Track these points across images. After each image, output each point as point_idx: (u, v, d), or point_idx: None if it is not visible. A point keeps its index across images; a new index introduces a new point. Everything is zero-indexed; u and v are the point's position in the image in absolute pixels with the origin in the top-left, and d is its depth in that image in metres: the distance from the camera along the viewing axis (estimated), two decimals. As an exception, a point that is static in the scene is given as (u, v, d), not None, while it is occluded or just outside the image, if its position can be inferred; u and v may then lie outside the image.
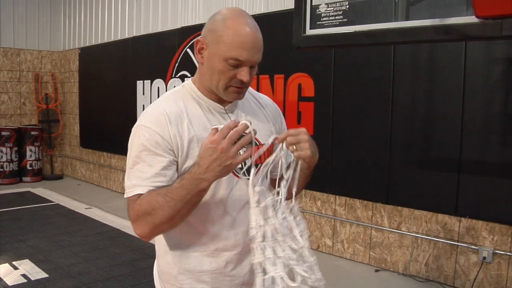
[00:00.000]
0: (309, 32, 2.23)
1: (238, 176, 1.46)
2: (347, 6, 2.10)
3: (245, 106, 1.56)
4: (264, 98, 1.68)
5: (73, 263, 4.40)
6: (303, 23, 2.24)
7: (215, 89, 1.43)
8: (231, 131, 1.23)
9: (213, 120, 1.46)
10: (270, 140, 1.36)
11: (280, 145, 1.35)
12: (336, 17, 2.13)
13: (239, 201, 1.45)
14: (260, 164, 1.43)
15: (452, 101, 3.77)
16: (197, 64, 1.54)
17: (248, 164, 1.39)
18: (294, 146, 1.34)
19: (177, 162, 1.40)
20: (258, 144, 1.48)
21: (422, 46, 3.89)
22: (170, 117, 1.39)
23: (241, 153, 1.26)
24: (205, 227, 1.44)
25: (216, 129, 1.26)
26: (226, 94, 1.43)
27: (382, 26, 1.99)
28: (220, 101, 1.49)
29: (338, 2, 2.13)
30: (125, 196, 1.39)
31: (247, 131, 1.26)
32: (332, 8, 2.14)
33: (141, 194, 1.34)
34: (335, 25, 2.14)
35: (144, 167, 1.36)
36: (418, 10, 1.91)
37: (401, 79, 4.06)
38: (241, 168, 1.45)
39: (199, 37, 1.46)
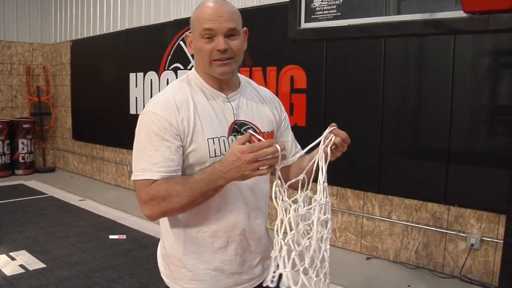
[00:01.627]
0: (304, 25, 2.31)
1: None
2: (341, 0, 2.18)
3: (246, 97, 1.64)
4: (264, 90, 1.77)
5: (69, 253, 4.46)
6: (298, 17, 2.32)
7: (205, 69, 1.53)
8: (261, 151, 1.28)
9: (216, 107, 1.54)
10: (327, 131, 1.43)
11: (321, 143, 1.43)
12: (330, 11, 2.21)
13: (241, 184, 1.51)
14: None
15: (441, 93, 3.86)
16: (190, 57, 1.64)
17: None
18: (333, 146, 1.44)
19: (183, 146, 1.47)
20: (258, 132, 1.57)
21: (412, 39, 3.97)
22: (177, 104, 1.47)
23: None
24: (208, 208, 1.51)
25: (250, 134, 1.34)
26: (213, 70, 1.51)
27: (374, 20, 2.07)
28: (222, 89, 1.58)
29: (332, -4, 2.21)
30: (133, 178, 1.47)
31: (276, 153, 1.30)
32: (326, 2, 2.22)
33: (152, 179, 1.42)
34: (329, 19, 2.22)
35: (152, 152, 1.43)
36: (408, 5, 1.99)
37: (391, 71, 4.15)
38: None
39: (187, 32, 1.59)
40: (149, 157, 1.43)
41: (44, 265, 4.13)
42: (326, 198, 1.43)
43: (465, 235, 3.87)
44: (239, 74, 1.66)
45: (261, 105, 1.68)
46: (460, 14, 1.84)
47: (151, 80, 6.65)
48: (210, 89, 1.56)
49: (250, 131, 1.38)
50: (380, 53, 4.16)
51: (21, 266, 4.10)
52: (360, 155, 4.36)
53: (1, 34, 8.61)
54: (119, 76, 7.26)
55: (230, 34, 1.48)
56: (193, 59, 1.58)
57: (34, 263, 4.17)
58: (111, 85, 7.52)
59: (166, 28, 6.37)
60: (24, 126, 8.61)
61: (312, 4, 2.26)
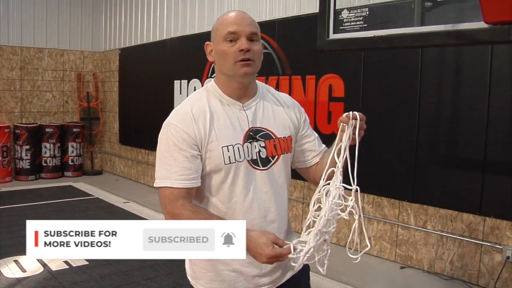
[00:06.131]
0: (332, 36, 2.39)
1: (254, 167, 1.65)
2: (367, 12, 2.25)
3: (263, 104, 1.73)
4: (283, 96, 1.84)
5: (111, 252, 4.65)
6: (327, 28, 2.40)
7: (228, 72, 1.62)
8: (280, 258, 1.47)
9: (231, 115, 1.65)
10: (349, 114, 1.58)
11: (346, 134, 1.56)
12: (357, 22, 2.29)
13: (253, 187, 1.64)
14: (277, 156, 1.67)
15: (478, 102, 3.84)
16: None
17: (263, 156, 1.65)
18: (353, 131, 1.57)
19: (200, 155, 1.60)
20: (273, 137, 1.67)
21: (449, 48, 3.97)
22: (194, 115, 1.60)
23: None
24: (227, 208, 1.64)
25: (290, 248, 1.48)
26: (236, 72, 1.60)
27: (399, 31, 2.13)
28: (239, 97, 1.68)
29: (359, 8, 2.29)
30: (156, 185, 1.62)
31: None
32: (353, 14, 2.29)
33: (172, 187, 1.57)
34: (356, 30, 2.30)
35: (171, 161, 1.58)
36: (432, 16, 2.05)
37: (428, 80, 4.15)
38: (256, 160, 1.65)
39: (207, 42, 1.71)
40: (169, 166, 1.58)
41: (87, 262, 4.33)
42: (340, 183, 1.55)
43: (501, 247, 3.82)
44: (258, 82, 1.75)
45: (278, 110, 1.75)
46: (482, 25, 1.88)
47: (195, 87, 6.83)
48: (227, 98, 1.66)
49: (291, 245, 1.49)
50: (417, 62, 4.18)
51: (66, 262, 4.31)
52: (396, 163, 4.38)
53: (55, 42, 9.06)
54: (164, 83, 7.49)
55: (252, 38, 1.60)
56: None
57: (78, 260, 4.37)
58: (156, 92, 7.77)
59: (210, 36, 6.52)
60: (74, 130, 8.99)
61: (340, 16, 2.34)
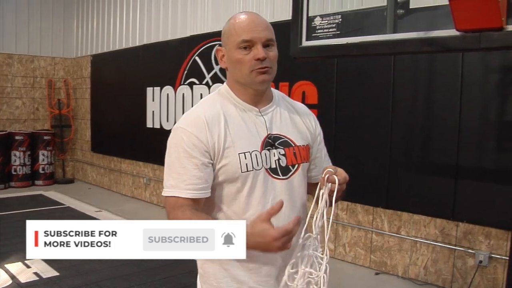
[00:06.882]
0: (305, 43, 2.39)
1: (273, 177, 1.55)
2: (340, 19, 2.25)
3: (280, 110, 1.63)
4: (299, 104, 1.75)
5: (82, 262, 4.54)
6: (299, 35, 2.39)
7: (243, 80, 1.52)
8: (290, 235, 1.34)
9: (248, 121, 1.55)
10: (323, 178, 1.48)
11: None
12: (330, 30, 2.28)
13: (272, 198, 1.53)
14: (297, 165, 1.58)
15: (450, 108, 3.89)
16: (205, 72, 1.67)
17: (282, 164, 1.55)
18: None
19: (212, 163, 1.49)
20: (293, 145, 1.59)
21: (421, 55, 4.01)
22: (207, 120, 1.48)
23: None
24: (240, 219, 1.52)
25: (281, 204, 1.38)
26: (253, 80, 1.51)
27: (371, 38, 2.13)
28: (255, 103, 1.58)
29: (331, 15, 2.28)
30: (164, 194, 1.51)
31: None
32: (326, 21, 2.29)
33: (180, 197, 1.46)
34: (329, 37, 2.29)
35: (180, 169, 1.47)
36: (404, 24, 2.05)
37: (401, 87, 4.19)
38: (276, 169, 1.55)
39: (218, 46, 1.60)
40: (178, 174, 1.47)
41: (58, 273, 4.22)
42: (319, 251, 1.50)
43: (473, 251, 3.86)
44: (272, 89, 1.65)
45: (295, 118, 1.66)
46: (453, 32, 1.89)
47: (168, 94, 6.78)
48: (242, 103, 1.56)
49: (278, 201, 1.40)
50: (390, 69, 4.21)
51: (36, 273, 4.20)
52: (370, 170, 4.39)
53: (25, 48, 8.88)
54: (136, 90, 7.41)
55: (267, 44, 1.51)
56: (207, 73, 1.65)
57: (48, 271, 4.27)
58: (129, 99, 7.68)
59: (183, 43, 6.50)
60: (45, 138, 8.82)
61: (313, 23, 2.34)
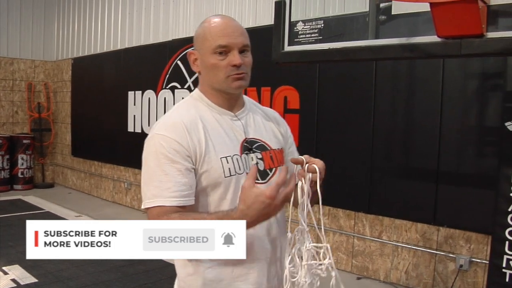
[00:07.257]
0: (287, 48, 2.38)
1: (255, 182, 1.47)
2: (322, 25, 2.25)
3: (253, 115, 1.63)
4: (268, 109, 1.76)
5: (62, 268, 4.49)
6: (281, 40, 2.39)
7: (219, 85, 1.50)
8: (289, 188, 1.32)
9: (225, 125, 1.52)
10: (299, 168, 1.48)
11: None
12: (312, 35, 2.28)
13: None
14: (274, 168, 1.57)
15: (431, 114, 3.92)
16: (187, 77, 1.65)
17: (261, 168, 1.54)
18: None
19: (194, 169, 1.44)
20: (269, 148, 1.58)
21: (403, 61, 4.04)
22: (186, 125, 1.44)
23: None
24: None
25: (256, 167, 1.37)
26: (229, 85, 1.48)
27: (353, 43, 2.13)
28: (230, 107, 1.56)
29: (314, 20, 2.28)
30: (144, 206, 1.44)
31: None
32: (309, 26, 2.29)
33: (164, 206, 1.39)
34: (311, 42, 2.29)
35: (162, 176, 1.40)
36: (386, 30, 2.06)
37: (382, 92, 4.21)
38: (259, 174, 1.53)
39: (190, 50, 1.56)
40: (160, 182, 1.40)
41: (36, 280, 4.15)
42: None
43: (454, 256, 3.89)
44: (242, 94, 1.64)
45: (267, 123, 1.66)
46: (435, 39, 1.90)
47: (149, 98, 6.73)
48: (217, 108, 1.54)
49: (253, 163, 1.40)
50: (371, 74, 4.23)
51: (13, 280, 4.12)
52: (351, 175, 4.40)
53: (4, 51, 8.74)
54: (118, 94, 7.35)
55: (243, 50, 1.49)
56: (189, 77, 1.61)
57: (26, 278, 4.19)
58: (110, 103, 7.60)
59: (165, 47, 6.47)
60: (24, 141, 8.69)
61: (295, 28, 2.33)
